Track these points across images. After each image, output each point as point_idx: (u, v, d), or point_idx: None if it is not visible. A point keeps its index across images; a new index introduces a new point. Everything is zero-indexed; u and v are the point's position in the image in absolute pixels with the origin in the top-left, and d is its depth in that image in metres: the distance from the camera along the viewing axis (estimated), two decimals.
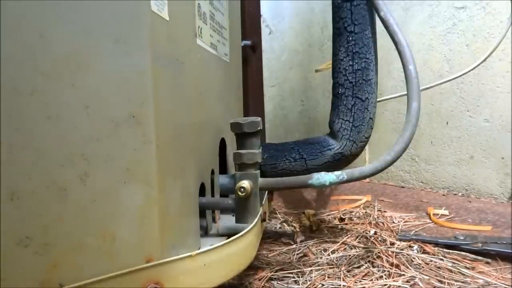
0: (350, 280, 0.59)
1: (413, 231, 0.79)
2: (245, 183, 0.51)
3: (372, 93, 0.71)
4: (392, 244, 0.72)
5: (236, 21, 0.72)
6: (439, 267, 0.63)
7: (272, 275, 0.62)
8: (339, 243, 0.74)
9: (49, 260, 0.33)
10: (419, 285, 0.57)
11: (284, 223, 0.88)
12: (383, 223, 0.84)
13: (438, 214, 0.91)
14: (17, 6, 0.32)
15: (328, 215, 0.92)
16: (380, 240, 0.73)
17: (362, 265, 0.64)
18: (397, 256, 0.66)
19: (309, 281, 0.59)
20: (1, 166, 0.32)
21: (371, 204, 1.01)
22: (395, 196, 1.12)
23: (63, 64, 0.33)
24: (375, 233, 0.77)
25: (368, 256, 0.67)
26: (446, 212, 0.92)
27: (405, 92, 0.59)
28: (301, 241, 0.76)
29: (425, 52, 1.16)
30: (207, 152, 0.53)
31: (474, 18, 1.05)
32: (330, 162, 0.72)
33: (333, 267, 0.64)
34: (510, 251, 0.65)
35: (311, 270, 0.63)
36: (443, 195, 1.13)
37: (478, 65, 0.84)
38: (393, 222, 0.85)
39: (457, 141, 1.12)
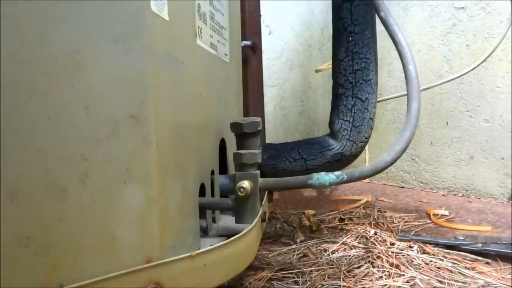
0: (350, 281, 0.59)
1: (413, 232, 0.79)
2: (245, 183, 0.51)
3: (372, 93, 0.71)
4: (392, 244, 0.71)
5: (236, 21, 0.72)
6: (439, 268, 0.63)
7: (272, 275, 0.62)
8: (339, 243, 0.74)
9: (49, 260, 0.33)
10: (419, 285, 0.57)
11: (284, 223, 0.87)
12: (383, 224, 0.84)
13: (438, 215, 0.91)
14: (17, 6, 0.32)
15: (328, 215, 0.92)
16: (380, 241, 0.73)
17: (362, 265, 0.64)
18: (397, 257, 0.66)
19: (309, 281, 0.59)
20: (1, 166, 0.32)
21: (371, 205, 1.01)
22: (395, 197, 1.12)
23: (63, 64, 0.33)
24: (375, 233, 0.77)
25: (368, 257, 0.67)
26: (446, 213, 0.92)
27: (405, 92, 0.59)
28: (301, 241, 0.76)
29: (425, 52, 1.16)
30: (207, 152, 0.53)
31: (474, 18, 1.05)
32: (330, 163, 0.72)
33: (333, 268, 0.64)
34: (510, 251, 0.65)
35: (311, 270, 0.63)
36: (443, 195, 1.13)
37: (478, 65, 0.84)
38: (393, 222, 0.85)
39: (457, 141, 1.12)
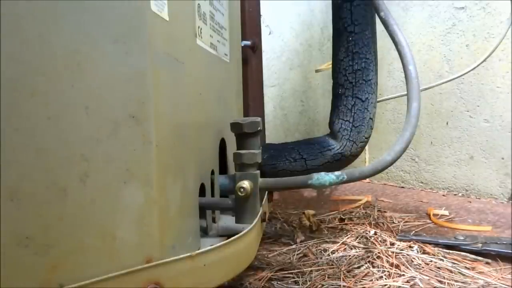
0: (350, 281, 0.59)
1: (413, 232, 0.79)
2: (245, 184, 0.51)
3: (372, 93, 0.71)
4: (392, 244, 0.72)
5: (236, 21, 0.72)
6: (439, 268, 0.63)
7: (272, 275, 0.62)
8: (339, 243, 0.74)
9: (49, 260, 0.33)
10: (419, 285, 0.57)
11: (284, 223, 0.87)
12: (383, 224, 0.84)
13: (438, 215, 0.91)
14: (17, 6, 0.32)
15: (328, 215, 0.92)
16: (380, 241, 0.73)
17: (362, 265, 0.64)
18: (397, 257, 0.66)
19: (309, 281, 0.59)
20: (1, 166, 0.32)
21: (371, 205, 1.01)
22: (395, 197, 1.12)
23: (63, 64, 0.33)
24: (375, 233, 0.77)
25: (368, 257, 0.67)
26: (446, 213, 0.92)
27: (405, 92, 0.59)
28: (301, 241, 0.76)
29: (425, 52, 1.16)
30: (207, 152, 0.53)
31: (474, 18, 1.05)
32: (330, 162, 0.72)
33: (333, 268, 0.64)
34: (510, 251, 0.65)
35: (311, 271, 0.63)
36: (443, 195, 1.13)
37: (478, 65, 0.84)
38: (393, 222, 0.85)
39: (457, 141, 1.12)
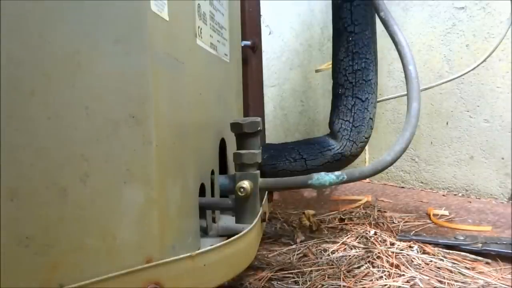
0: (350, 281, 0.59)
1: (413, 232, 0.79)
2: (245, 183, 0.51)
3: (372, 93, 0.71)
4: (392, 244, 0.72)
5: (236, 21, 0.72)
6: (439, 268, 0.63)
7: (272, 275, 0.62)
8: (339, 243, 0.74)
9: (49, 260, 0.33)
10: (419, 285, 0.57)
11: (284, 223, 0.87)
12: (383, 224, 0.84)
13: (438, 215, 0.91)
14: (17, 6, 0.32)
15: (328, 215, 0.92)
16: (380, 241, 0.73)
17: (362, 265, 0.64)
18: (397, 257, 0.66)
19: (309, 281, 0.59)
20: (1, 166, 0.32)
21: (371, 205, 1.01)
22: (395, 197, 1.12)
23: (63, 64, 0.33)
24: (375, 233, 0.77)
25: (368, 257, 0.67)
26: (446, 213, 0.92)
27: (405, 92, 0.59)
28: (301, 241, 0.76)
29: (425, 52, 1.16)
30: (207, 152, 0.53)
31: (474, 18, 1.05)
32: (330, 163, 0.72)
33: (333, 268, 0.64)
34: (510, 251, 0.65)
35: (311, 271, 0.63)
36: (443, 195, 1.13)
37: (478, 65, 0.84)
38: (393, 222, 0.85)
39: (457, 141, 1.12)
